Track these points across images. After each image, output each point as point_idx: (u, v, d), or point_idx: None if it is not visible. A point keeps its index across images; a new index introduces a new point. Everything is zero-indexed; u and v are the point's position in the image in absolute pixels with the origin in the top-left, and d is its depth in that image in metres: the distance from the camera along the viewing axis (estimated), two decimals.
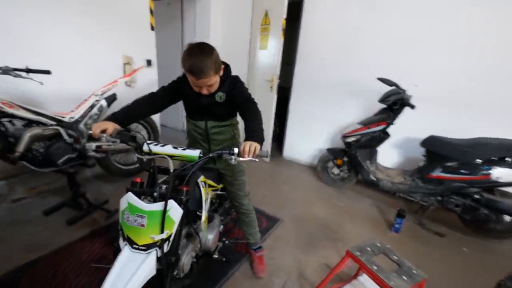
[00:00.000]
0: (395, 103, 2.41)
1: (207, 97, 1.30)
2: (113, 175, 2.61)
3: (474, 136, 2.25)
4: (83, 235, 1.90)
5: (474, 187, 2.15)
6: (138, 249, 0.94)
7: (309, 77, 3.30)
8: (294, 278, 1.72)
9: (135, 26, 2.82)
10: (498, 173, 2.02)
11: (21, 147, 1.77)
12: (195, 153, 1.13)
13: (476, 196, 2.16)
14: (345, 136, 2.73)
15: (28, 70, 1.82)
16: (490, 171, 2.05)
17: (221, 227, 1.71)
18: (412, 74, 2.61)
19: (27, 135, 1.78)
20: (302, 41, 3.23)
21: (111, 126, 1.14)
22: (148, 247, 0.94)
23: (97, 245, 1.82)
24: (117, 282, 0.87)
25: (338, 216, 2.47)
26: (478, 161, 2.12)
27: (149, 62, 3.05)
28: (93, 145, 2.14)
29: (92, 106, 2.18)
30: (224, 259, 1.58)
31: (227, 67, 1.34)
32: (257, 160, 1.05)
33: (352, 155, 2.71)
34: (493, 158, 2.09)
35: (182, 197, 1.03)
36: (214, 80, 1.21)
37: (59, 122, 1.97)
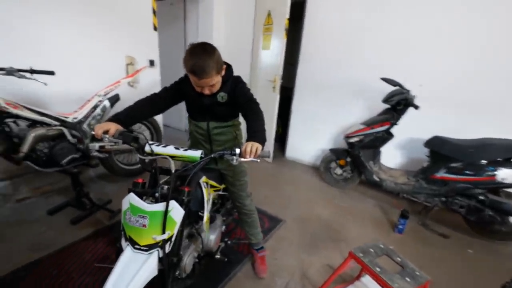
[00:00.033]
0: (399, 103, 2.39)
1: (209, 97, 1.30)
2: (116, 175, 2.63)
3: (479, 136, 2.23)
4: (87, 234, 1.92)
5: (479, 188, 2.13)
6: (140, 249, 0.95)
7: (312, 77, 3.28)
8: (296, 279, 1.71)
9: (138, 26, 2.83)
10: (504, 174, 2.00)
11: (25, 148, 1.78)
12: (196, 153, 1.13)
13: (481, 197, 2.13)
14: (348, 137, 2.71)
15: (32, 71, 1.84)
16: (495, 172, 2.03)
17: (223, 227, 1.71)
18: (417, 74, 2.59)
19: (31, 136, 1.80)
20: (305, 41, 3.22)
21: (113, 127, 1.15)
22: (149, 247, 0.95)
23: (100, 244, 1.83)
24: (119, 282, 0.87)
25: (341, 216, 2.46)
26: (483, 162, 2.09)
27: (151, 63, 3.06)
28: (96, 145, 2.15)
29: (95, 107, 2.20)
30: (226, 259, 1.58)
31: (229, 67, 1.34)
32: (258, 160, 1.04)
33: (355, 156, 2.70)
34: (498, 159, 2.06)
35: (184, 197, 1.04)
36: (216, 80, 1.21)
37: (63, 123, 1.99)
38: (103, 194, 2.41)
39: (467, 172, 2.15)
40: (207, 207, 1.24)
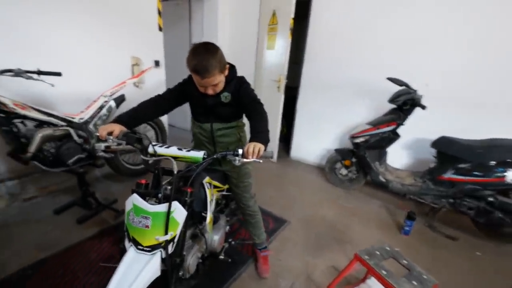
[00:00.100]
0: (405, 103, 2.36)
1: (213, 97, 1.30)
2: (121, 175, 2.65)
3: (488, 137, 2.18)
4: (92, 234, 1.94)
5: (488, 189, 2.08)
6: (143, 250, 0.95)
7: (317, 77, 3.26)
8: (301, 280, 1.70)
9: (143, 27, 2.85)
10: None
11: (32, 148, 1.81)
12: (199, 154, 1.13)
13: (490, 199, 2.08)
14: (353, 137, 2.69)
15: (40, 72, 1.86)
16: (505, 173, 1.98)
17: (227, 227, 1.71)
18: (423, 73, 2.55)
19: (39, 136, 1.82)
20: (310, 41, 3.19)
21: (118, 128, 1.15)
22: (152, 248, 0.95)
23: (105, 244, 1.85)
24: (122, 282, 0.88)
25: (346, 217, 2.43)
26: (492, 162, 2.05)
27: (157, 63, 3.07)
28: (102, 145, 2.17)
29: (101, 107, 2.22)
30: (230, 260, 1.58)
31: (232, 67, 1.34)
32: (261, 161, 1.04)
33: (360, 156, 2.67)
34: (508, 160, 2.01)
35: (186, 198, 1.04)
36: (219, 80, 1.21)
37: (69, 123, 2.01)
38: (108, 194, 2.43)
39: (476, 173, 2.10)
40: (210, 208, 1.23)
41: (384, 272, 1.21)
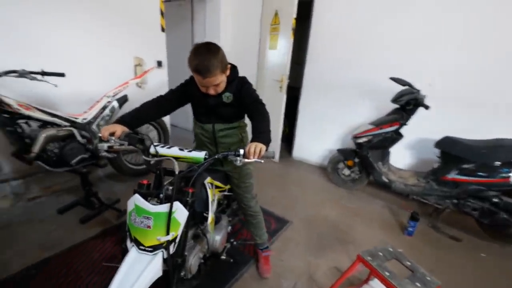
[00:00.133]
0: (408, 103, 2.34)
1: (214, 97, 1.30)
2: (124, 174, 2.66)
3: (492, 137, 2.16)
4: (95, 233, 1.95)
5: (493, 190, 2.06)
6: (144, 250, 0.95)
7: (319, 77, 3.25)
8: (303, 281, 1.69)
9: (146, 28, 2.86)
10: None
11: (36, 148, 1.82)
12: (200, 154, 1.13)
13: (495, 200, 2.06)
14: (356, 137, 2.67)
15: (44, 73, 1.88)
16: (510, 174, 1.97)
17: (229, 228, 1.71)
18: (427, 73, 2.53)
19: (43, 136, 1.84)
20: (313, 41, 3.18)
21: (120, 129, 1.16)
22: (154, 248, 0.95)
23: (108, 244, 1.86)
24: (124, 282, 0.88)
25: (349, 218, 2.42)
26: (497, 163, 2.02)
27: (159, 63, 3.08)
28: (105, 145, 2.15)
29: (104, 108, 2.23)
30: (231, 260, 1.58)
31: (234, 68, 1.34)
32: (262, 161, 1.04)
33: (363, 156, 2.65)
34: None
35: (188, 198, 1.04)
36: (221, 80, 1.21)
37: (73, 123, 2.02)
38: (111, 194, 2.44)
39: (480, 173, 2.09)
40: (212, 208, 1.23)
41: (387, 274, 1.20)
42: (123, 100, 2.37)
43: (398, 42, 2.64)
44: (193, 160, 1.14)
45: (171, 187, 1.05)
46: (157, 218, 0.96)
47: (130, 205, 1.02)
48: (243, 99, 1.32)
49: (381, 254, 1.34)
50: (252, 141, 1.07)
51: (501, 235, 2.15)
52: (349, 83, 3.03)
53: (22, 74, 1.80)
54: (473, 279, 1.80)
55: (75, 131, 2.02)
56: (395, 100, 2.38)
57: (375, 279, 1.58)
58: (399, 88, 2.37)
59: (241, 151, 1.05)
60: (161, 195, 1.03)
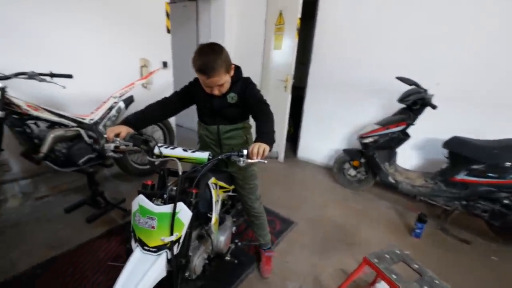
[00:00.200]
0: (415, 103, 2.30)
1: (219, 98, 1.30)
2: (130, 174, 2.69)
3: (503, 137, 2.11)
4: (101, 233, 1.96)
5: (503, 191, 2.01)
6: (149, 250, 0.95)
7: (324, 77, 3.22)
8: (309, 283, 1.68)
9: (152, 29, 2.88)
10: None
11: (45, 148, 1.85)
12: (204, 155, 1.13)
13: (506, 201, 2.01)
14: (362, 137, 2.64)
15: (52, 75, 1.90)
16: None
17: (234, 228, 1.70)
18: (434, 72, 2.48)
19: (51, 136, 1.86)
20: (317, 40, 3.16)
21: (125, 130, 1.17)
22: (158, 248, 0.95)
23: (113, 243, 1.87)
24: (128, 282, 0.88)
25: (355, 219, 2.39)
26: (508, 164, 1.97)
27: (165, 64, 3.10)
28: (111, 145, 2.18)
29: (110, 108, 2.25)
30: (236, 261, 1.57)
31: (238, 68, 1.34)
32: (266, 162, 1.03)
33: (369, 157, 2.62)
34: None
35: (192, 199, 1.03)
36: (225, 80, 1.20)
37: (80, 124, 2.05)
38: (117, 193, 2.46)
39: (490, 174, 2.03)
40: (215, 209, 1.23)
41: (394, 276, 1.18)
42: (129, 101, 2.39)
43: (404, 41, 2.60)
44: (197, 161, 1.14)
45: (174, 188, 1.05)
46: (161, 219, 0.96)
47: (135, 206, 1.02)
48: (247, 99, 1.31)
49: (388, 256, 1.32)
50: (256, 141, 1.07)
51: None
52: (355, 83, 3.00)
53: (32, 76, 1.82)
54: (484, 284, 1.76)
55: (82, 131, 2.04)
56: (401, 99, 2.34)
57: (382, 282, 1.55)
58: (406, 87, 2.34)
59: (244, 152, 1.04)
60: (165, 196, 1.03)
